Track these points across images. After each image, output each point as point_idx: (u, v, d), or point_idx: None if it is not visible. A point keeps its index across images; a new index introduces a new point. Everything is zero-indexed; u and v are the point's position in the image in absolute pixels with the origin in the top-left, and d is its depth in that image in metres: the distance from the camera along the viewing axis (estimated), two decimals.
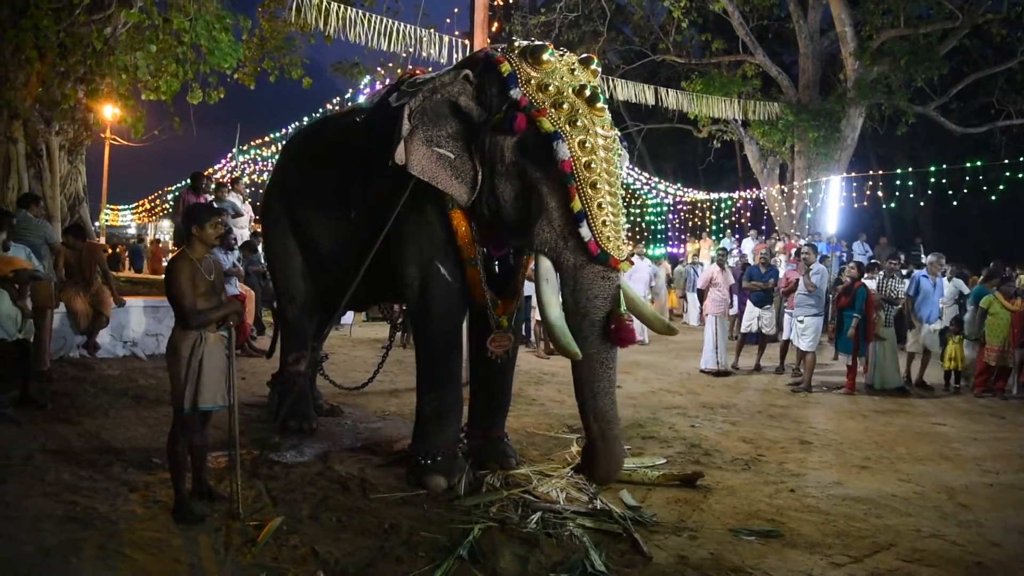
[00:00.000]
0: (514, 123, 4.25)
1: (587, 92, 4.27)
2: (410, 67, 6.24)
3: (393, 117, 4.80)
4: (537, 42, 4.57)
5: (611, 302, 4.18)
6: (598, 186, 4.13)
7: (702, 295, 10.86)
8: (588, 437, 4.21)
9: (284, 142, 6.20)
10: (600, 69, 4.69)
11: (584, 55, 4.65)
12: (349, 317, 12.01)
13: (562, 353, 4.22)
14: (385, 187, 4.88)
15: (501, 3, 18.74)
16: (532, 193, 4.33)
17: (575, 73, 4.45)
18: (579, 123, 4.20)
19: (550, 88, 4.29)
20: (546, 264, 4.32)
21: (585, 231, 4.11)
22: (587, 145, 4.17)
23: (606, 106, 4.40)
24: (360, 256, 5.09)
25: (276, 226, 6.20)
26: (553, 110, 4.23)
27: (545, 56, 4.37)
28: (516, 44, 4.58)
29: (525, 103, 4.29)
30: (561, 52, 4.59)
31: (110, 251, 22.08)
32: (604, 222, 4.15)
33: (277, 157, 7.48)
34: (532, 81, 4.33)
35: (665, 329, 4.80)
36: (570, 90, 4.30)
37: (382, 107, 5.30)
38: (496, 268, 5.17)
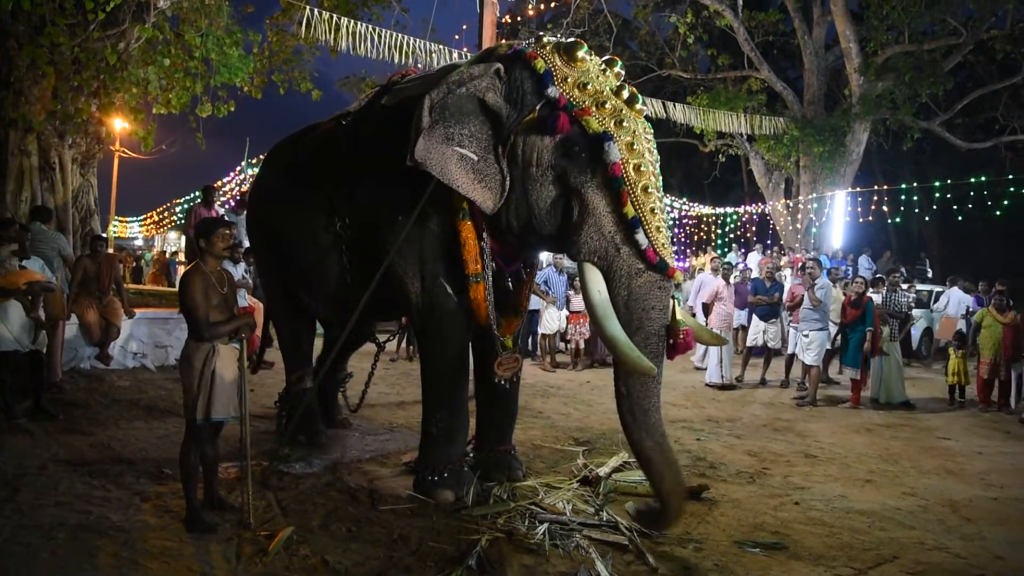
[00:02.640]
0: (556, 123, 4.01)
1: (626, 93, 4.13)
2: (406, 68, 6.10)
3: (385, 119, 4.59)
4: (569, 39, 4.34)
5: (666, 313, 3.99)
6: (649, 190, 3.94)
7: (706, 309, 10.84)
8: (642, 456, 3.98)
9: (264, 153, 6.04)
10: (624, 72, 4.47)
11: (607, 57, 4.43)
12: None
13: (632, 369, 3.88)
14: (377, 195, 4.73)
15: (509, 20, 18.94)
16: (574, 199, 4.10)
17: (606, 73, 4.27)
18: (625, 124, 4.01)
19: (589, 87, 4.09)
20: (596, 275, 4.05)
21: (642, 238, 3.91)
22: (635, 147, 3.97)
23: (645, 108, 4.24)
24: (349, 268, 5.04)
25: (261, 243, 6.08)
26: (596, 109, 4.03)
27: (580, 54, 4.15)
28: (547, 40, 4.34)
29: (564, 102, 4.07)
30: (590, 51, 4.34)
31: (132, 262, 22.34)
32: (658, 228, 3.95)
33: (258, 169, 7.17)
34: (569, 79, 4.12)
35: (714, 339, 4.70)
36: (608, 89, 4.13)
37: (372, 109, 5.13)
38: (508, 284, 4.99)
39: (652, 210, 3.92)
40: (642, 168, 3.94)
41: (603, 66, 4.30)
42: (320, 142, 5.50)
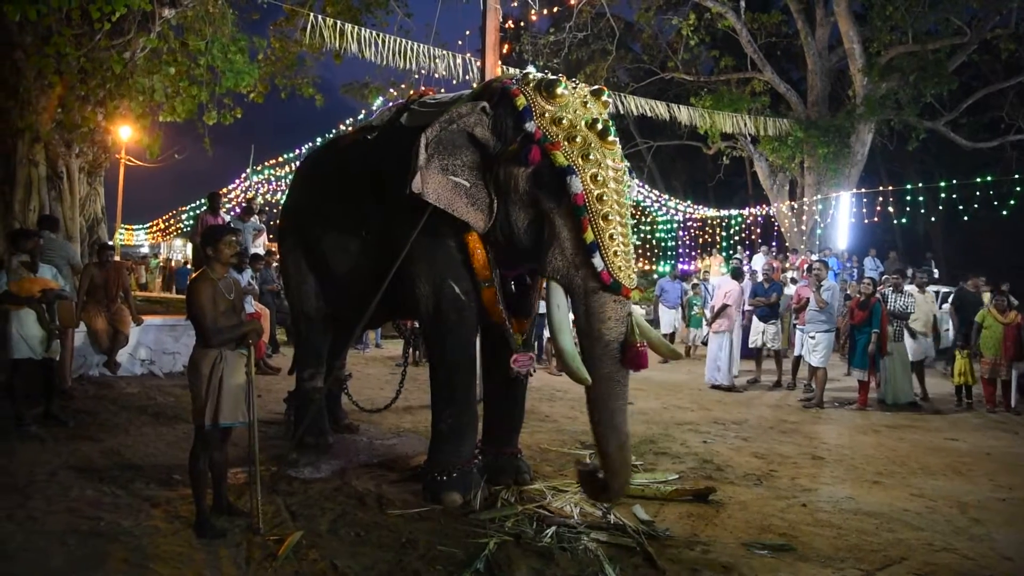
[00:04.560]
0: (529, 155, 4.40)
1: (599, 126, 4.45)
2: (422, 87, 6.32)
3: (404, 137, 4.88)
4: (551, 76, 4.69)
5: (624, 325, 4.30)
6: (609, 218, 4.30)
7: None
8: (603, 450, 4.30)
9: (298, 163, 6.36)
10: (611, 100, 4.78)
11: (595, 87, 4.78)
12: (366, 335, 12.10)
13: (572, 378, 4.36)
14: (398, 207, 4.96)
15: (512, 26, 18.99)
16: (544, 222, 4.48)
17: (587, 106, 4.60)
18: (591, 157, 4.36)
19: (563, 121, 4.45)
20: (558, 291, 4.47)
21: (598, 261, 4.26)
22: (599, 179, 4.33)
23: (617, 139, 4.55)
24: (373, 274, 5.20)
25: (290, 245, 6.28)
26: (567, 143, 4.38)
27: (559, 90, 4.51)
28: (531, 77, 4.72)
29: (539, 136, 4.42)
30: (574, 84, 4.70)
31: (151, 272, 22.46)
32: (615, 252, 4.30)
33: (292, 178, 7.62)
34: (546, 114, 4.47)
35: (670, 353, 5.12)
36: (583, 123, 4.46)
37: (393, 127, 5.43)
38: (512, 287, 5.30)
39: (611, 236, 4.29)
40: (604, 198, 4.30)
41: (587, 98, 4.64)
42: (351, 155, 5.84)
